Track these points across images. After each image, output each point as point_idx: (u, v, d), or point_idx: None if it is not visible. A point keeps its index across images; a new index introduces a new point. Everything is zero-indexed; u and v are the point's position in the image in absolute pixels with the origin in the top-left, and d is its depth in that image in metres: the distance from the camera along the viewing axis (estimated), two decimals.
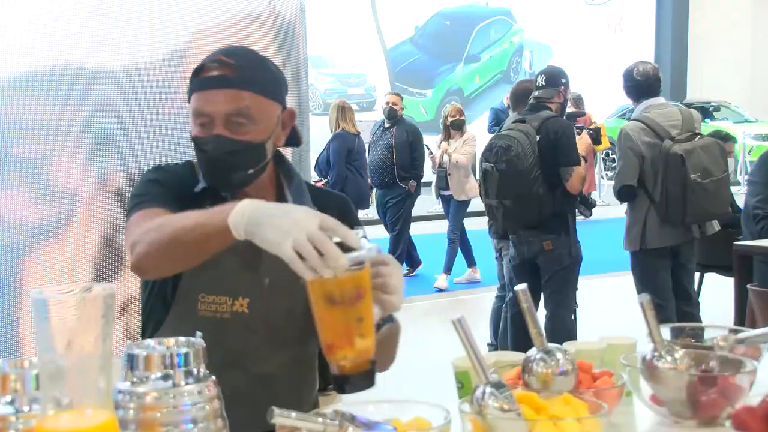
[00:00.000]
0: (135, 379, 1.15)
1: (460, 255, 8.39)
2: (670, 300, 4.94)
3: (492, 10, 20.02)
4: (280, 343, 1.85)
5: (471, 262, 8.50)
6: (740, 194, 6.89)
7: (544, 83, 4.97)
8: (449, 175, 8.16)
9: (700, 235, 4.96)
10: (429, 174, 8.71)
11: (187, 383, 1.15)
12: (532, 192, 4.74)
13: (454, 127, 8.24)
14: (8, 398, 1.10)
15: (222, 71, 1.79)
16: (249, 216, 1.47)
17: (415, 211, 8.93)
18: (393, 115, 8.41)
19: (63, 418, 0.96)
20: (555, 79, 5.00)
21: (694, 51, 21.75)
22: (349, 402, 1.40)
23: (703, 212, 4.82)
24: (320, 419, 1.24)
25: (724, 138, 6.49)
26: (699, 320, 4.99)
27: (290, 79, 3.11)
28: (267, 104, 1.82)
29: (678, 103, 5.82)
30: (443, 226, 8.67)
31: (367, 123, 13.02)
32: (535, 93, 4.97)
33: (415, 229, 9.10)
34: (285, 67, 3.15)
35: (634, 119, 5.00)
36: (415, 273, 8.81)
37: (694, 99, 18.81)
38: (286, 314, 1.84)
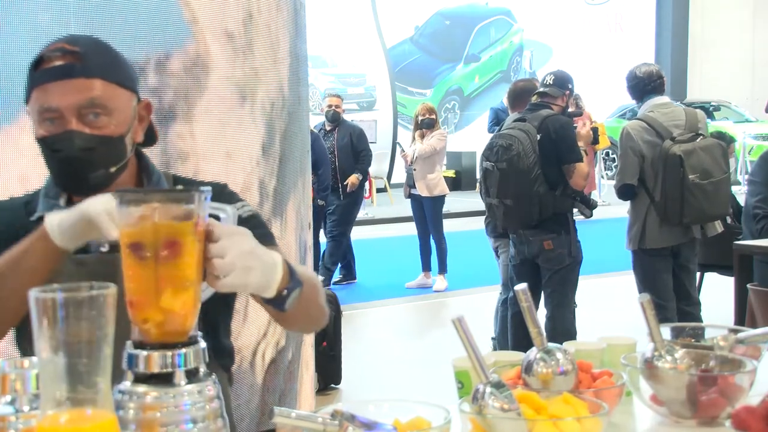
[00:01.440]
0: (135, 379, 1.15)
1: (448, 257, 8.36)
2: (671, 300, 4.94)
3: (492, 10, 20.02)
4: None
5: (426, 267, 8.46)
6: (740, 194, 6.89)
7: (551, 83, 4.99)
8: (415, 170, 8.07)
9: (701, 236, 4.96)
10: (401, 174, 8.58)
11: (187, 383, 1.15)
12: (533, 191, 4.75)
13: (425, 126, 8.11)
14: (8, 398, 1.10)
15: (66, 60, 1.62)
16: (61, 214, 1.50)
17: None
18: (336, 118, 8.30)
19: (63, 417, 0.96)
20: (563, 82, 5.03)
21: (694, 50, 21.75)
22: (348, 402, 1.40)
23: (701, 213, 4.81)
24: (320, 419, 1.24)
25: (726, 140, 6.48)
26: (700, 320, 4.99)
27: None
28: (120, 93, 1.67)
29: (679, 103, 5.81)
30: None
31: (368, 123, 13.05)
32: (542, 89, 4.98)
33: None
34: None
35: (637, 118, 5.01)
36: (352, 281, 8.66)
37: (694, 99, 18.82)
38: None
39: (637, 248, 4.98)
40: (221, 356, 1.84)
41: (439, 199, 8.21)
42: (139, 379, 1.14)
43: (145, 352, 1.14)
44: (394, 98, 18.18)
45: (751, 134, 16.80)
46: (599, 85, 17.70)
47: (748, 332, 1.83)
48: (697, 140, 4.84)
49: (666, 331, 1.79)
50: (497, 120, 13.04)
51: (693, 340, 1.88)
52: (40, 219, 1.68)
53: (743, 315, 4.23)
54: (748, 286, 4.19)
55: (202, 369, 1.18)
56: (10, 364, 1.13)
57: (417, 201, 8.21)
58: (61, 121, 1.62)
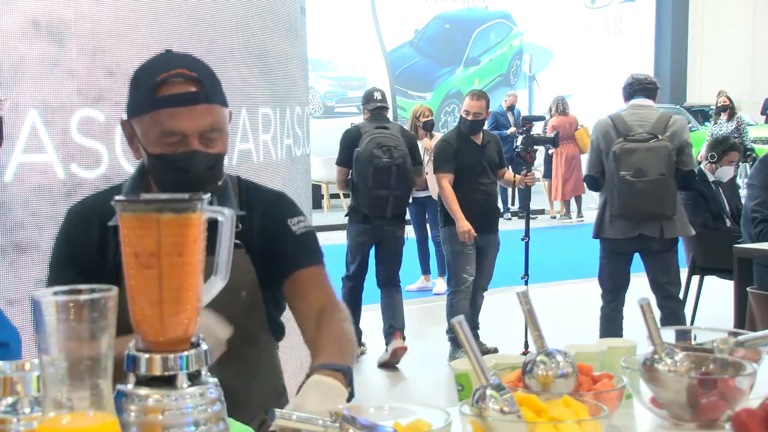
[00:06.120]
0: (137, 382, 1.15)
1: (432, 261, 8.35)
2: (620, 291, 5.15)
3: (492, 14, 20.01)
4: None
5: (426, 270, 8.40)
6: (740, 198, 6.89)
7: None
8: (427, 174, 7.67)
9: (659, 235, 5.00)
10: None
11: (189, 386, 1.14)
12: None
13: (427, 128, 7.88)
14: (9, 400, 1.10)
15: (189, 87, 1.73)
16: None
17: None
18: None
19: (64, 420, 0.96)
20: None
21: (694, 54, 21.76)
22: (349, 405, 1.40)
23: (628, 209, 4.96)
24: (321, 421, 1.24)
25: (730, 147, 6.46)
26: (682, 317, 5.22)
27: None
28: (226, 114, 1.80)
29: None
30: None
31: None
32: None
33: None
34: None
35: (608, 115, 5.23)
36: None
37: (694, 102, 18.82)
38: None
39: (596, 236, 5.25)
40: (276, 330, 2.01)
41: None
42: (141, 381, 1.14)
43: (146, 355, 1.14)
44: (394, 102, 18.17)
45: (751, 137, 16.79)
46: (599, 89, 17.69)
47: (747, 335, 1.84)
48: (650, 141, 4.90)
49: (666, 335, 1.80)
50: (496, 124, 13.05)
51: (693, 344, 1.88)
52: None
53: (743, 318, 4.23)
54: (748, 289, 4.19)
55: (204, 372, 1.18)
56: (12, 366, 1.13)
57: (416, 204, 8.13)
58: (184, 142, 1.74)
